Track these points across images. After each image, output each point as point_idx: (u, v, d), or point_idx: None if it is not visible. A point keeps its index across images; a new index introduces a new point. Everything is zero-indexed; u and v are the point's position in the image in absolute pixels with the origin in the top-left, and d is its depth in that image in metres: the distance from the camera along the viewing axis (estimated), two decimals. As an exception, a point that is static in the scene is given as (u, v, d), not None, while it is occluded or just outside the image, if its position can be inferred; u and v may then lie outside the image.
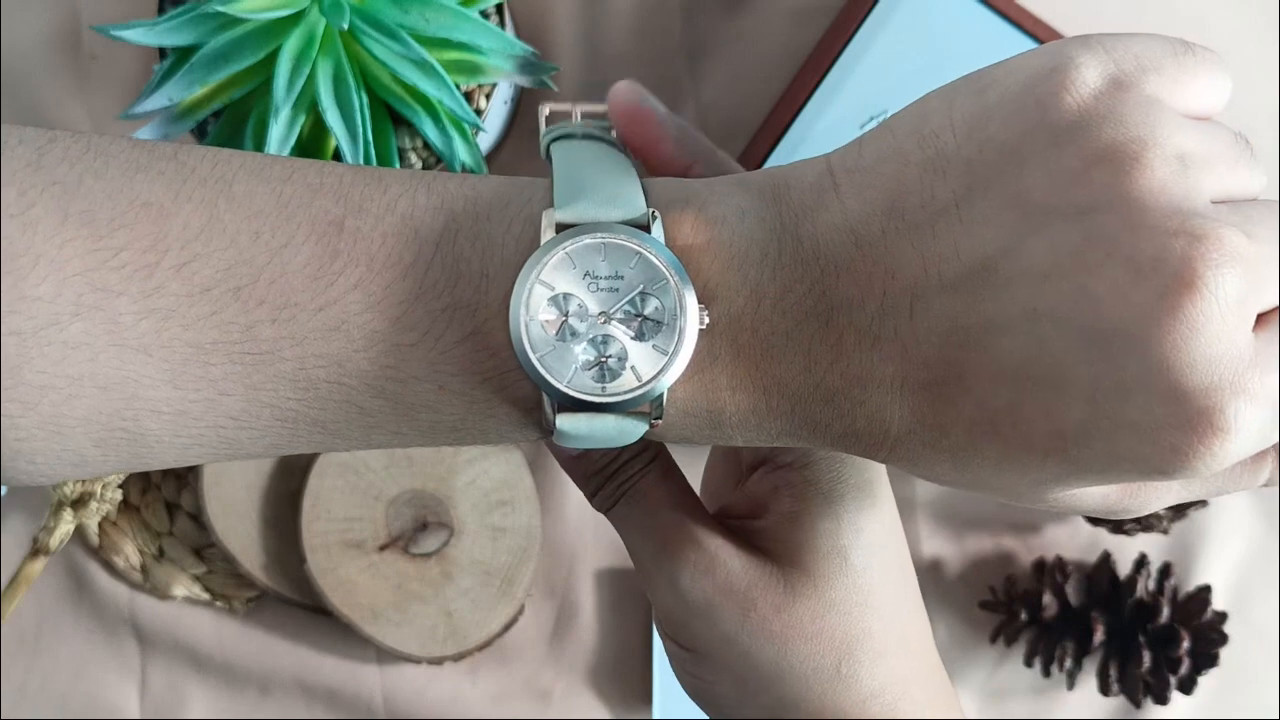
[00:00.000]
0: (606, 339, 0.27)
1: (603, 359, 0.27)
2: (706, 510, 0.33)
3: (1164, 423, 0.25)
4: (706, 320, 0.27)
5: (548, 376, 0.27)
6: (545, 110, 0.35)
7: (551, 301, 0.27)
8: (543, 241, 0.27)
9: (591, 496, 0.33)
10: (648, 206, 0.28)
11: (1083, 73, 0.27)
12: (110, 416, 0.28)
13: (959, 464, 0.28)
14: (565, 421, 0.28)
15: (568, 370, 0.27)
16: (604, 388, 0.27)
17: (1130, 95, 0.27)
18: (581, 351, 0.27)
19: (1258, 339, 0.26)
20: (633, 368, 0.27)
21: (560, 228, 0.28)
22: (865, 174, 0.28)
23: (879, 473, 0.33)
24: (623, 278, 0.28)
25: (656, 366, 0.27)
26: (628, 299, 0.28)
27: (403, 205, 0.29)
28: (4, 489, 0.30)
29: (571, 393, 0.27)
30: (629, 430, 0.28)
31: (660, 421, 0.28)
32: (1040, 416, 0.27)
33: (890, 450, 0.29)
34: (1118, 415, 0.26)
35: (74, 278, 0.27)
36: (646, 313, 0.28)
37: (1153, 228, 0.25)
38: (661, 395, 0.28)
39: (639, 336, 0.27)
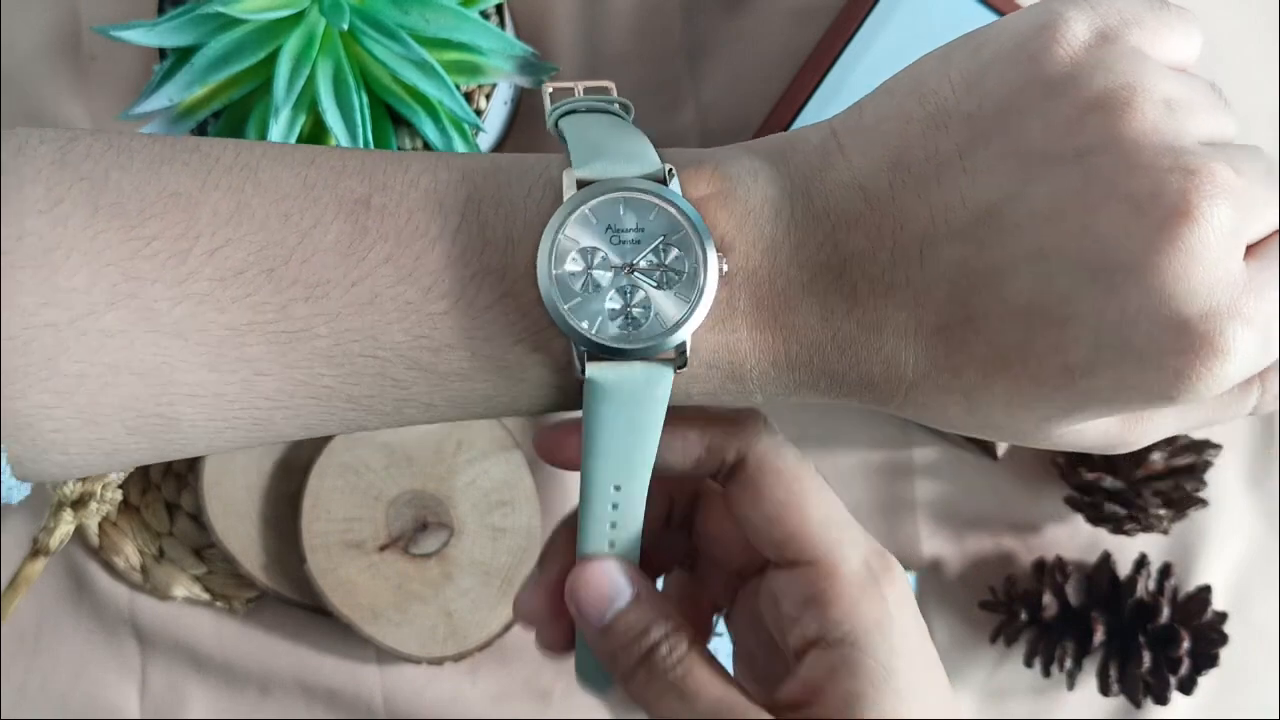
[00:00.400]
0: (631, 289, 0.29)
1: (628, 308, 0.29)
2: (751, 696, 0.31)
3: (1168, 349, 0.27)
4: (725, 267, 0.29)
5: (576, 325, 0.28)
6: (549, 88, 0.36)
7: (576, 255, 0.28)
8: (565, 199, 0.29)
9: (625, 680, 0.32)
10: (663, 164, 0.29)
11: (1072, 27, 0.29)
12: (146, 402, 0.28)
13: (970, 405, 0.30)
14: (595, 370, 0.29)
15: (595, 320, 0.28)
16: (630, 335, 0.28)
17: (1116, 46, 0.28)
18: (607, 301, 0.29)
19: (1249, 267, 0.28)
20: (657, 315, 0.29)
21: (580, 186, 0.29)
22: (869, 133, 0.30)
23: (922, 629, 0.32)
24: (644, 230, 0.29)
25: (680, 312, 0.29)
26: (649, 249, 0.29)
27: (425, 181, 0.30)
28: (28, 488, 0.31)
29: (599, 340, 0.28)
30: (655, 377, 0.29)
31: (684, 368, 0.29)
32: (1049, 352, 0.28)
33: (905, 396, 0.30)
34: (1123, 345, 0.27)
35: (108, 268, 0.28)
36: (668, 262, 0.29)
37: (1148, 165, 0.27)
38: (685, 341, 0.29)
39: (661, 285, 0.29)
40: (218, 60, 0.42)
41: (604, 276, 0.29)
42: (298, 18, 0.42)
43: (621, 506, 0.31)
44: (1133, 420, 0.31)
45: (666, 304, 0.29)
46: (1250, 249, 0.28)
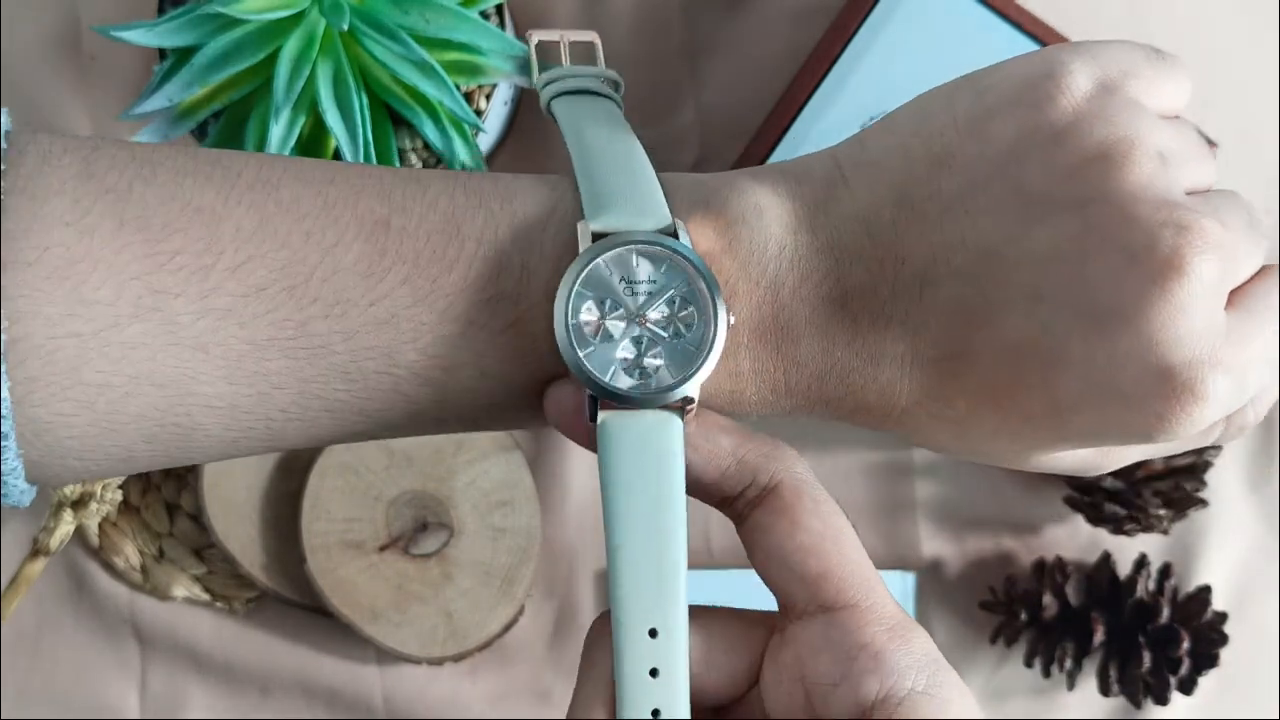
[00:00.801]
0: (642, 339, 0.29)
1: (640, 358, 0.29)
2: None
3: (1152, 393, 0.28)
4: (733, 319, 0.29)
5: (591, 373, 0.29)
6: (534, 39, 0.36)
7: (591, 304, 0.29)
8: (580, 249, 0.29)
9: None
10: (671, 210, 0.30)
11: (1075, 78, 0.30)
12: (164, 413, 0.29)
13: (959, 433, 0.31)
14: (606, 416, 0.29)
15: (608, 369, 0.29)
16: (641, 385, 0.29)
17: (1116, 98, 0.30)
18: (620, 351, 0.29)
19: (1229, 317, 0.29)
20: (668, 365, 0.29)
21: (594, 235, 0.30)
22: (872, 168, 0.31)
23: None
24: (655, 282, 0.29)
25: (689, 364, 0.29)
26: (661, 301, 0.29)
27: (443, 204, 0.30)
28: (34, 491, 0.31)
29: (614, 388, 0.29)
30: (664, 424, 0.29)
31: (692, 412, 0.29)
32: (1039, 389, 0.29)
33: (897, 421, 0.31)
34: (1110, 387, 0.29)
35: (132, 281, 0.28)
36: (679, 315, 0.29)
37: (1144, 219, 0.28)
38: (694, 391, 0.29)
39: (672, 336, 0.29)
40: (218, 60, 0.41)
41: (617, 327, 0.29)
42: (298, 18, 0.42)
43: (663, 673, 0.28)
44: (1108, 448, 0.32)
45: (677, 355, 0.29)
46: (1231, 296, 0.30)
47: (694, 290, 0.29)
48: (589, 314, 0.29)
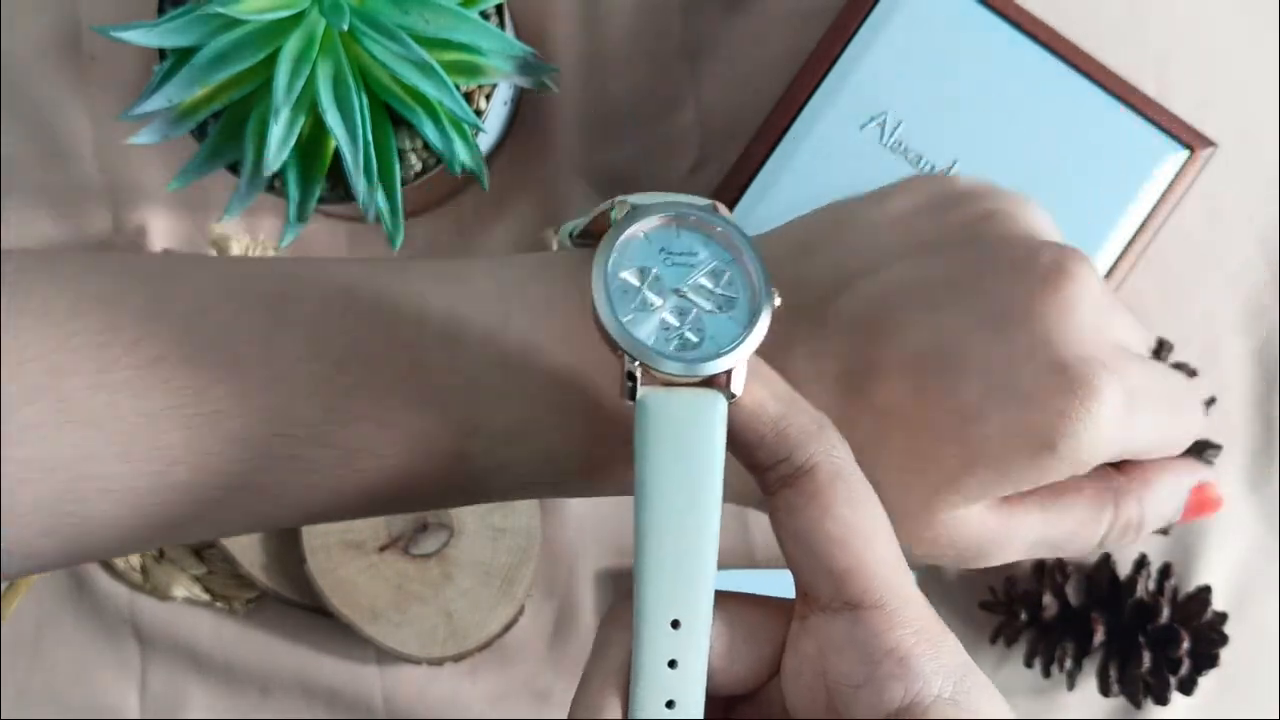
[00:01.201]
0: (685, 310, 0.28)
1: (682, 328, 0.28)
2: None
3: (1051, 389, 0.30)
4: (778, 301, 0.28)
5: (635, 336, 0.27)
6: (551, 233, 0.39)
7: (631, 273, 0.28)
8: (615, 219, 0.28)
9: None
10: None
11: (963, 179, 0.35)
12: (59, 500, 0.29)
13: (868, 465, 0.29)
14: (645, 392, 0.27)
15: (649, 336, 0.27)
16: (684, 355, 0.27)
17: (1000, 191, 0.35)
18: (662, 316, 0.28)
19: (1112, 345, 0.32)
20: (712, 337, 0.28)
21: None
22: (776, 233, 0.35)
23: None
24: (696, 254, 0.29)
25: (734, 337, 0.28)
26: (704, 272, 0.28)
27: (341, 276, 0.31)
28: None
29: (654, 350, 0.27)
30: (708, 403, 0.27)
31: (737, 397, 0.28)
32: (942, 397, 0.30)
33: None
34: (1011, 388, 0.30)
35: (29, 364, 0.28)
36: (721, 287, 0.28)
37: (1027, 243, 0.32)
38: (742, 367, 0.27)
39: (715, 309, 0.28)
40: (218, 60, 0.42)
41: (657, 296, 0.28)
42: (298, 18, 0.42)
43: (681, 665, 0.27)
44: (1005, 515, 0.32)
45: (720, 327, 0.28)
46: None
47: (737, 262, 0.28)
48: (631, 279, 0.28)
